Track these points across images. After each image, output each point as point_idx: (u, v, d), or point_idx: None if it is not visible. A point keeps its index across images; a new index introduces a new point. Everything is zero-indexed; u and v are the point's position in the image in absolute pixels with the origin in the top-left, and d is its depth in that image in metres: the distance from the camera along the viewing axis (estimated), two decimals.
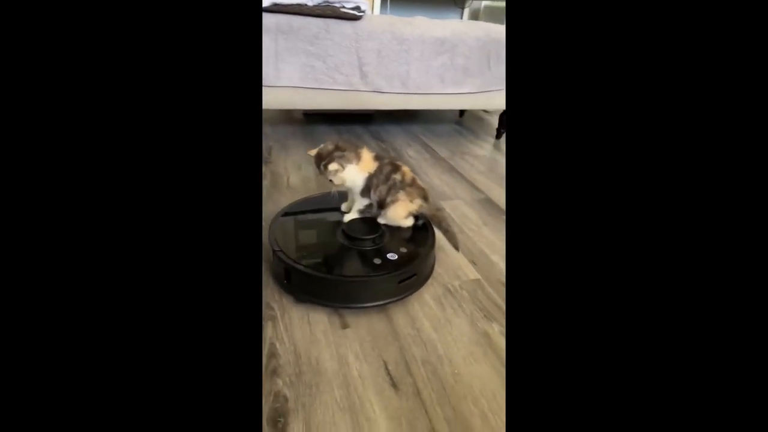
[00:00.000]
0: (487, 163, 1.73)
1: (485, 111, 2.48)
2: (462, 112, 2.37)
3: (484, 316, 0.85)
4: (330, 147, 0.93)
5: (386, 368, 0.72)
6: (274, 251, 0.87)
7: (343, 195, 1.05)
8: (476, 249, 1.08)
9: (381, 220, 0.98)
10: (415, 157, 1.71)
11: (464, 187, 1.46)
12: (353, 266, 0.86)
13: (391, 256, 0.89)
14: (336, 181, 0.94)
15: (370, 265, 0.86)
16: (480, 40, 1.76)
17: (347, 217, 1.00)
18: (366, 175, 0.94)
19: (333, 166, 0.91)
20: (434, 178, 1.52)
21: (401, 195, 0.95)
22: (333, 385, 0.67)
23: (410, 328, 0.81)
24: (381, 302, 0.85)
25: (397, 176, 0.96)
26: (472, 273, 0.98)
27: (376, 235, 0.94)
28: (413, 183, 0.97)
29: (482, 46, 1.75)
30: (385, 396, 0.66)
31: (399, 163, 0.98)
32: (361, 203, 0.98)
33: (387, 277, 0.84)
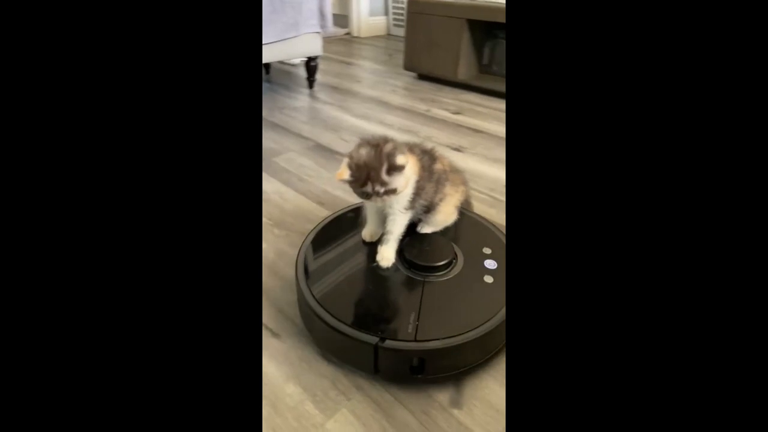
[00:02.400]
0: (307, 112, 1.71)
1: (289, 64, 2.41)
2: (268, 69, 2.25)
3: None
4: (364, 151, 0.60)
5: None
6: (375, 345, 0.55)
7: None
8: (319, 190, 1.10)
9: (425, 230, 0.73)
10: None
11: (292, 139, 1.43)
12: (486, 304, 0.60)
13: (490, 263, 0.66)
14: (400, 188, 0.62)
15: (489, 290, 0.62)
16: None
17: (386, 251, 0.67)
18: (415, 179, 0.66)
19: (402, 159, 0.59)
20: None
21: (448, 188, 0.72)
22: None
23: None
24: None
25: (439, 166, 0.71)
26: (323, 212, 0.99)
27: (453, 253, 0.67)
28: (452, 168, 0.75)
29: None
30: None
31: (426, 146, 0.73)
32: (404, 220, 0.68)
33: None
